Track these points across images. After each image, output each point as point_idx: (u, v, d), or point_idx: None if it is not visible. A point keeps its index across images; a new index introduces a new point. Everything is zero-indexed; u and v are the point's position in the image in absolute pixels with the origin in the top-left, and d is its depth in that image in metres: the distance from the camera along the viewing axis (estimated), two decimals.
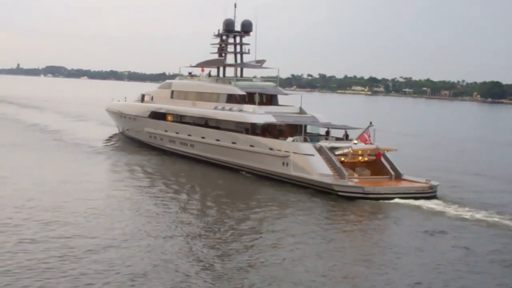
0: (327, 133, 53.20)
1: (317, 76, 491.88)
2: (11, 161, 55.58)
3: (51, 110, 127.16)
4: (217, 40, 66.40)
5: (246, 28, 65.18)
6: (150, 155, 63.84)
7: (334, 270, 28.21)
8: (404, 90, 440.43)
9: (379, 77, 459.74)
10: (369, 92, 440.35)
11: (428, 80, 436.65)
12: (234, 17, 65.25)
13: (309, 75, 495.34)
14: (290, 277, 26.78)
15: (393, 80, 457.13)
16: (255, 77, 68.73)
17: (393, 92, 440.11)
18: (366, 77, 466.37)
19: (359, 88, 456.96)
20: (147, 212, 37.89)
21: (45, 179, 46.97)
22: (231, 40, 66.11)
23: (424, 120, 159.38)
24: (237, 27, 65.25)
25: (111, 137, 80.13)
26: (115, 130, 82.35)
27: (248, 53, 65.88)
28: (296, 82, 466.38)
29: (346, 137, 52.58)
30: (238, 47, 66.10)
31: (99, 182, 48.14)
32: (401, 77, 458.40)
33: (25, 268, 26.17)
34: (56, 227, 32.91)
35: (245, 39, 65.92)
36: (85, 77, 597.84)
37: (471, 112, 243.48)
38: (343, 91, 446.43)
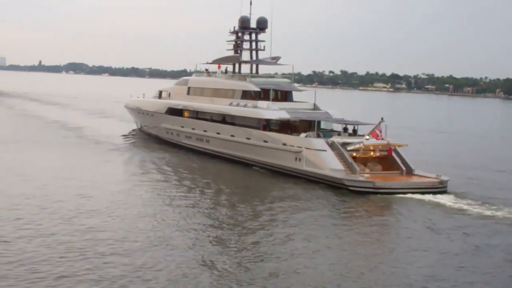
0: (345, 129, 53.62)
1: (339, 73, 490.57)
2: (32, 158, 56.41)
3: (72, 107, 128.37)
4: (233, 37, 67.11)
5: (262, 25, 65.83)
6: (166, 151, 64.62)
7: (345, 265, 28.56)
8: (426, 87, 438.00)
9: (401, 74, 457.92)
10: (391, 89, 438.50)
11: (450, 76, 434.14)
12: (250, 14, 65.86)
13: (330, 71, 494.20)
14: (301, 271, 27.20)
15: (415, 76, 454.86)
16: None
17: (415, 88, 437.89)
18: (388, 73, 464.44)
19: (381, 85, 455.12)
20: (162, 206, 38.61)
21: (65, 175, 47.49)
22: (246, 37, 66.74)
23: (445, 117, 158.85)
24: (253, 24, 65.86)
25: (129, 133, 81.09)
26: (134, 126, 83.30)
27: (264, 50, 66.56)
28: (317, 79, 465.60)
29: (354, 133, 53.07)
30: (253, 44, 66.72)
31: (116, 178, 48.88)
32: (423, 74, 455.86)
33: (42, 262, 26.75)
34: (76, 222, 33.50)
35: (261, 36, 66.53)
36: (106, 74, 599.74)
37: (493, 108, 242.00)
38: (365, 88, 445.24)
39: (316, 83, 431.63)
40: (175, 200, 40.72)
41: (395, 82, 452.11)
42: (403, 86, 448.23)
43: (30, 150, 60.87)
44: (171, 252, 29.08)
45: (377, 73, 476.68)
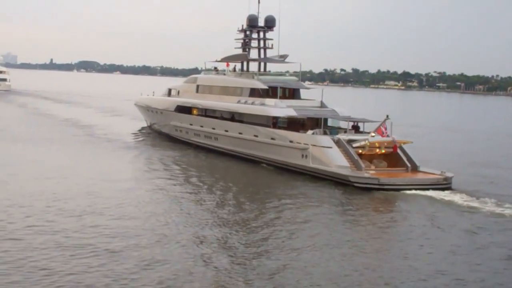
0: (353, 127, 54.28)
1: (350, 71, 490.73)
2: (43, 156, 56.91)
3: (83, 105, 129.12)
4: (241, 35, 67.62)
5: (269, 23, 66.33)
6: (175, 148, 65.12)
7: (353, 260, 28.79)
8: (438, 84, 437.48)
9: (412, 72, 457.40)
10: (402, 87, 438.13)
11: (462, 74, 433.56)
12: (258, 12, 66.39)
13: (342, 69, 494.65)
14: (309, 267, 27.52)
15: (426, 74, 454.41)
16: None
17: (427, 87, 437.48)
18: (399, 71, 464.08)
19: (392, 82, 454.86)
20: (170, 204, 39.00)
21: (74, 173, 47.74)
22: (254, 35, 67.26)
23: (456, 114, 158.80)
24: (261, 23, 66.40)
25: (139, 131, 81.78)
26: (144, 124, 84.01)
27: (272, 48, 67.02)
28: (329, 77, 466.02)
29: (357, 129, 53.67)
30: (261, 42, 67.25)
31: (125, 176, 49.01)
32: (435, 72, 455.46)
33: (51, 258, 26.95)
34: (85, 219, 33.68)
35: (269, 34, 67.05)
36: (118, 72, 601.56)
37: (506, 106, 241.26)
38: (376, 86, 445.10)
39: (328, 81, 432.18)
40: (182, 197, 41.16)
41: (406, 80, 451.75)
42: (415, 84, 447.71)
43: (40, 148, 61.51)
44: (178, 248, 29.42)
45: (388, 71, 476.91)
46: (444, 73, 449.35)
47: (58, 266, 26.18)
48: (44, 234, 30.82)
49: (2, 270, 25.45)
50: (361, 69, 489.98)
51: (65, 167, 50.26)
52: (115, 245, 29.32)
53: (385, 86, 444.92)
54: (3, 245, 28.70)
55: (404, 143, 49.83)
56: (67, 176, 46.14)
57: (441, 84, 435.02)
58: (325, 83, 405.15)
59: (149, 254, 28.24)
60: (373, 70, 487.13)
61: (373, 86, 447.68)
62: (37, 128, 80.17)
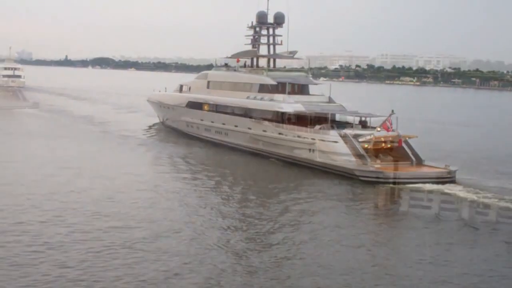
0: (361, 122, 55.07)
1: (365, 67, 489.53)
2: (59, 152, 57.51)
3: (98, 101, 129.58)
4: (251, 32, 68.59)
5: (279, 20, 67.27)
6: (186, 144, 65.95)
7: (357, 253, 29.51)
8: (452, 80, 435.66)
9: (427, 68, 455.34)
10: (417, 83, 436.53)
11: (477, 70, 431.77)
12: (267, 9, 67.32)
13: (357, 65, 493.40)
14: (312, 260, 28.29)
15: (441, 70, 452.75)
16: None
17: (441, 82, 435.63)
18: (414, 67, 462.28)
19: (407, 78, 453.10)
20: (178, 199, 39.83)
21: (90, 170, 48.43)
22: (264, 32, 68.19)
23: (471, 110, 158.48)
24: (270, 19, 67.29)
25: (151, 126, 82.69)
26: (157, 120, 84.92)
27: (281, 44, 67.96)
28: (344, 73, 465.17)
29: (363, 124, 54.45)
30: (271, 39, 68.12)
31: (134, 171, 49.57)
32: (450, 68, 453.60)
33: (74, 259, 27.33)
34: (102, 218, 34.07)
35: (278, 31, 67.99)
36: (133, 68, 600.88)
37: None
38: (391, 82, 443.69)
39: (343, 77, 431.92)
40: (192, 191, 42.16)
41: (421, 76, 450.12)
42: (430, 80, 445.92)
43: (55, 144, 62.34)
44: (186, 241, 30.23)
45: (403, 67, 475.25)
46: (459, 69, 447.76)
47: (72, 257, 27.07)
48: (59, 227, 31.77)
49: (17, 261, 26.47)
50: (376, 65, 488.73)
51: (79, 163, 51.18)
52: (126, 239, 30.06)
53: (400, 82, 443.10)
54: (19, 238, 29.67)
55: (409, 137, 50.55)
56: (81, 172, 47.03)
57: (456, 80, 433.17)
58: (340, 79, 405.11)
59: (159, 247, 29.06)
60: (388, 66, 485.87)
61: (388, 82, 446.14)
62: (51, 124, 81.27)
